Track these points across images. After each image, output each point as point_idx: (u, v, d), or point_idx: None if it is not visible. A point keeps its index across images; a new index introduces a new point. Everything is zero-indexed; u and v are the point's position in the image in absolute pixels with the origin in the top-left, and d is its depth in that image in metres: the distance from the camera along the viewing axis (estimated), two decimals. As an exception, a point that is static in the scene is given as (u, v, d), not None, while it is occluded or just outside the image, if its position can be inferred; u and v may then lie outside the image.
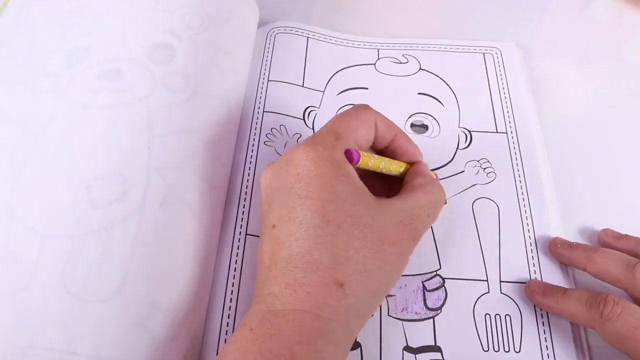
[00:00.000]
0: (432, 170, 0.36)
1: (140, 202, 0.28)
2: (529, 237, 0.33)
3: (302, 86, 0.40)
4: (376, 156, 0.29)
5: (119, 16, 0.35)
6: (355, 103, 0.40)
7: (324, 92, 0.40)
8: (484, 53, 0.43)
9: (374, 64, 0.42)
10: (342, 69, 0.41)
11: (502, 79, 0.41)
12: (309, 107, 0.39)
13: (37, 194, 0.28)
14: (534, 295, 0.30)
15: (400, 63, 0.42)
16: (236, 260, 0.32)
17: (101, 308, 0.26)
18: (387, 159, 0.30)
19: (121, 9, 0.35)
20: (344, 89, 0.40)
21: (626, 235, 0.33)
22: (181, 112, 0.32)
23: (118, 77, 0.32)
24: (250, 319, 0.24)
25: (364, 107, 0.30)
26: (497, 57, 0.43)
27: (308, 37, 0.43)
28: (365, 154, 0.28)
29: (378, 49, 0.43)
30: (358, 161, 0.27)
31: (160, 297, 0.27)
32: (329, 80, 0.41)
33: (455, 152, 0.37)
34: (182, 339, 0.28)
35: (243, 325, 0.24)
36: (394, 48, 0.43)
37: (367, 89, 0.40)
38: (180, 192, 0.30)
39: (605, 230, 0.34)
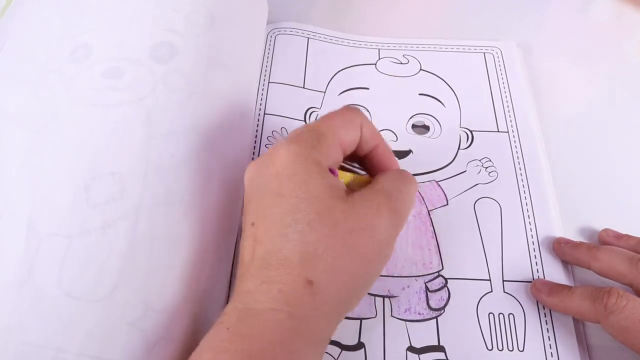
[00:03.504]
0: (435, 171, 0.37)
1: (137, 202, 0.28)
2: (531, 235, 0.33)
3: (303, 87, 0.40)
4: (348, 173, 0.29)
5: (122, 14, 0.35)
6: (357, 103, 0.40)
7: (325, 92, 0.40)
8: (484, 53, 0.43)
9: (375, 64, 0.42)
10: (343, 69, 0.41)
11: (502, 78, 0.41)
12: (310, 107, 0.39)
13: (37, 191, 0.28)
14: (540, 294, 0.30)
15: (401, 63, 0.42)
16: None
17: (94, 307, 0.26)
18: (357, 176, 0.29)
19: (124, 7, 0.35)
20: (345, 88, 0.40)
21: (627, 235, 0.33)
22: (181, 111, 0.32)
23: (120, 76, 0.32)
24: (227, 317, 0.24)
25: (351, 108, 0.29)
26: (498, 57, 0.43)
27: (308, 38, 0.43)
28: (339, 172, 0.28)
29: (379, 49, 0.43)
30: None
31: (154, 297, 0.27)
32: (330, 81, 0.41)
33: (457, 153, 0.37)
34: (178, 339, 0.27)
35: (219, 323, 0.24)
36: (394, 48, 0.43)
37: (368, 89, 0.40)
38: (178, 193, 0.30)
39: (606, 230, 0.34)
